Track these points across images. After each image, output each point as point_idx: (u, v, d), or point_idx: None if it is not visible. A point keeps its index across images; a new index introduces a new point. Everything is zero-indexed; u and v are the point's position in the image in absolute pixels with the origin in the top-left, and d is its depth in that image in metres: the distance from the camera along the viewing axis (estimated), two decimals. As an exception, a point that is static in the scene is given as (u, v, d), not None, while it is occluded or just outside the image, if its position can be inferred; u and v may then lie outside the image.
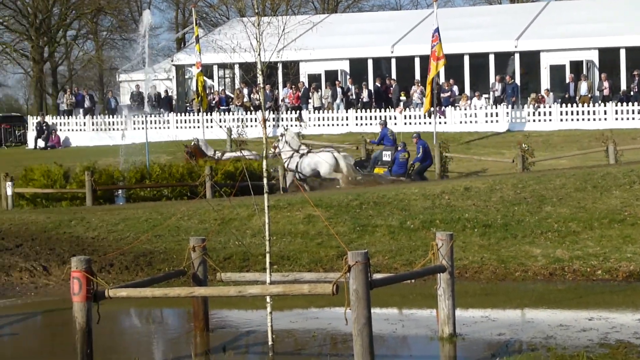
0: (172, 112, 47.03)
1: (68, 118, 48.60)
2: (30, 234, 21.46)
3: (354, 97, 45.60)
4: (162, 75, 51.29)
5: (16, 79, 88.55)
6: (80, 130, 47.71)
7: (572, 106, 42.36)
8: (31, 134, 49.07)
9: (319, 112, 44.80)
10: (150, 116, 44.35)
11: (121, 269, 18.74)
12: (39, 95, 67.60)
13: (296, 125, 42.77)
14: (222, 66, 49.16)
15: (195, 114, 45.79)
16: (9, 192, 28.43)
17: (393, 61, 46.69)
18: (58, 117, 49.63)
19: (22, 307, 16.92)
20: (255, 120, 42.12)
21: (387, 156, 31.14)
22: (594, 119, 41.81)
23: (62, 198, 28.87)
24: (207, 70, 46.45)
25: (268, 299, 12.55)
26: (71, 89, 54.24)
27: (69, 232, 21.49)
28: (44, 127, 47.71)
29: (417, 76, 44.97)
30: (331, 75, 47.29)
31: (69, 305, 12.31)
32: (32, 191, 28.93)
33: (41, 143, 47.53)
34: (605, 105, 41.91)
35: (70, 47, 71.94)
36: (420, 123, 42.57)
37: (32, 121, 49.41)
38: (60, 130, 47.72)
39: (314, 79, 47.37)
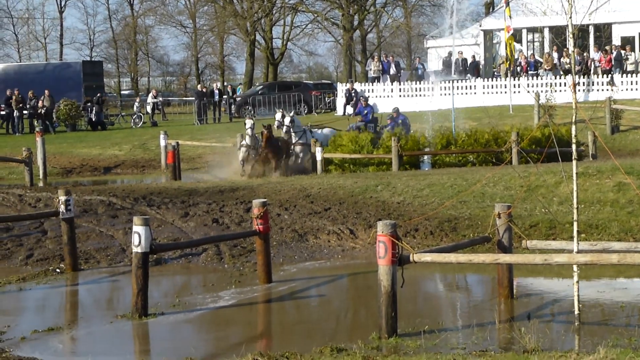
0: (479, 78, 46.70)
1: (375, 85, 49.30)
2: (338, 198, 22.00)
3: (670, 59, 43.60)
4: (470, 40, 50.98)
5: (327, 47, 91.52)
6: (388, 96, 48.22)
7: None
8: (340, 101, 50.14)
9: (632, 76, 43.09)
10: (458, 82, 44.21)
11: (426, 234, 18.80)
12: (348, 62, 69.05)
13: (607, 90, 41.42)
14: (531, 30, 48.30)
15: (502, 79, 45.26)
16: (318, 157, 29.31)
17: None
18: (366, 84, 50.48)
19: (329, 269, 17.31)
20: (565, 85, 41.14)
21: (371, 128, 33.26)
22: None
23: (369, 163, 29.44)
24: (515, 35, 45.69)
25: (575, 268, 12.22)
26: (379, 56, 54.95)
27: (375, 196, 21.83)
28: (353, 94, 48.66)
29: None
30: (645, 37, 45.38)
31: (374, 269, 12.49)
32: (340, 156, 29.66)
33: (349, 110, 48.54)
34: None
35: (379, 15, 72.88)
36: None
37: (341, 88, 50.44)
38: (369, 96, 48.47)
39: (627, 41, 45.58)
